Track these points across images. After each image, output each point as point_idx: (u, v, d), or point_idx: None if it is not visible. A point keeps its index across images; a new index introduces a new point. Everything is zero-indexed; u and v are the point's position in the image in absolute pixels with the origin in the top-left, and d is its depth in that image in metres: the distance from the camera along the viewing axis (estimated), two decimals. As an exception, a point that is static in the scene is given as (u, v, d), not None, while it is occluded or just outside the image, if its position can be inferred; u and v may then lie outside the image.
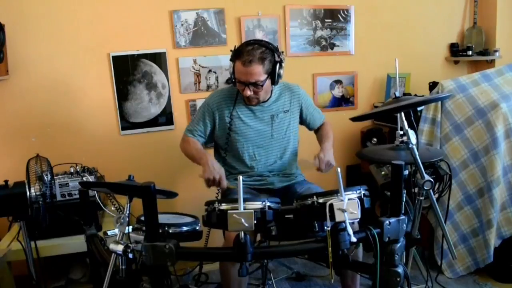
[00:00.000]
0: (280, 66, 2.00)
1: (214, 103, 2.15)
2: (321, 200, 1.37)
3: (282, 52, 2.02)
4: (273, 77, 2.00)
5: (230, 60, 2.02)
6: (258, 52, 1.94)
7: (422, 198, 1.89)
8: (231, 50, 2.03)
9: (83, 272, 2.46)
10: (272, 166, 2.20)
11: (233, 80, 2.03)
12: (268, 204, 1.36)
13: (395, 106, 1.61)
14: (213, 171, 1.98)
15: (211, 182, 1.98)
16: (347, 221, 1.28)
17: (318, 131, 2.35)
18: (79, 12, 2.59)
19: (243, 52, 1.95)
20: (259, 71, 1.95)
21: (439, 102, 2.49)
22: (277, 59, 1.98)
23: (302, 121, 2.29)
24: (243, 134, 2.14)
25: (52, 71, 2.61)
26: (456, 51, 3.25)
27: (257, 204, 1.35)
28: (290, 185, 2.22)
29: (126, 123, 2.78)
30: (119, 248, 1.38)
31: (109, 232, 1.74)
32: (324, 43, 3.03)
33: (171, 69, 2.79)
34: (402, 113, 1.65)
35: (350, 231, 1.29)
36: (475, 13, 3.22)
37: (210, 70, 2.85)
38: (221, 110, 2.14)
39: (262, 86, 1.99)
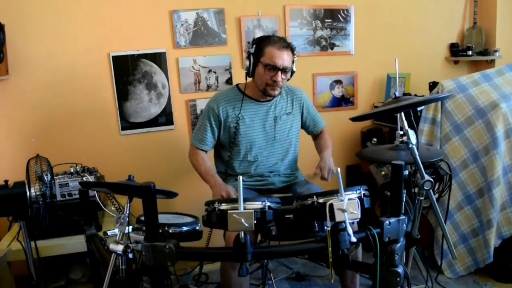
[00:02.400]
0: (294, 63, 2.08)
1: (219, 106, 2.14)
2: (321, 200, 1.37)
3: (298, 53, 2.12)
4: (292, 70, 2.07)
5: (249, 53, 2.02)
6: (287, 41, 2.04)
7: (422, 198, 1.89)
8: (248, 42, 2.07)
9: (83, 272, 2.46)
10: (273, 167, 2.21)
11: (264, 64, 2.00)
12: (268, 204, 1.37)
13: (395, 106, 1.61)
14: (220, 190, 2.02)
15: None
16: (347, 221, 1.28)
17: (317, 139, 2.36)
18: (79, 12, 2.59)
19: (275, 39, 2.02)
20: (290, 58, 2.03)
21: (439, 102, 2.49)
22: (294, 54, 2.07)
23: (302, 124, 2.30)
24: (247, 135, 2.15)
25: (52, 71, 2.61)
26: (456, 51, 3.24)
27: (257, 204, 1.35)
28: (290, 185, 2.23)
29: (126, 123, 2.78)
30: (119, 248, 1.39)
31: (109, 232, 1.74)
32: (324, 43, 3.03)
33: (171, 69, 2.79)
34: (402, 113, 1.65)
35: (350, 231, 1.29)
36: (475, 13, 3.22)
37: (210, 70, 2.85)
38: (225, 112, 2.13)
39: (290, 73, 2.06)
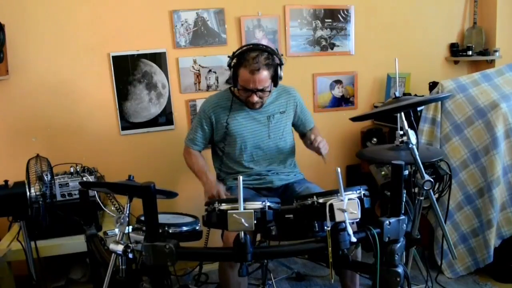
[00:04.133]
0: (281, 68, 2.03)
1: (210, 108, 2.17)
2: (321, 200, 1.37)
3: (282, 55, 2.06)
4: (276, 80, 2.03)
5: (230, 66, 2.02)
6: (263, 58, 1.95)
7: (422, 198, 1.89)
8: (228, 56, 2.04)
9: (83, 272, 2.46)
10: (270, 166, 2.21)
11: (238, 88, 2.04)
12: (268, 204, 1.37)
13: (395, 106, 1.61)
14: (211, 188, 2.04)
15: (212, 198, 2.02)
16: (347, 221, 1.28)
17: (306, 135, 2.36)
18: (79, 12, 2.59)
19: (248, 60, 1.95)
20: (265, 78, 1.97)
21: (439, 102, 2.49)
22: (277, 62, 2.01)
23: (293, 123, 2.31)
24: (240, 136, 2.16)
25: (52, 71, 2.61)
26: (456, 51, 3.24)
27: (257, 204, 1.35)
28: (289, 183, 2.23)
29: (126, 123, 2.78)
30: (119, 248, 1.39)
31: (109, 232, 1.73)
32: (324, 43, 3.03)
33: (171, 69, 2.79)
34: (402, 113, 1.65)
35: (350, 231, 1.29)
36: (475, 13, 3.22)
37: (210, 70, 2.85)
38: (217, 114, 2.16)
39: (269, 91, 2.04)
